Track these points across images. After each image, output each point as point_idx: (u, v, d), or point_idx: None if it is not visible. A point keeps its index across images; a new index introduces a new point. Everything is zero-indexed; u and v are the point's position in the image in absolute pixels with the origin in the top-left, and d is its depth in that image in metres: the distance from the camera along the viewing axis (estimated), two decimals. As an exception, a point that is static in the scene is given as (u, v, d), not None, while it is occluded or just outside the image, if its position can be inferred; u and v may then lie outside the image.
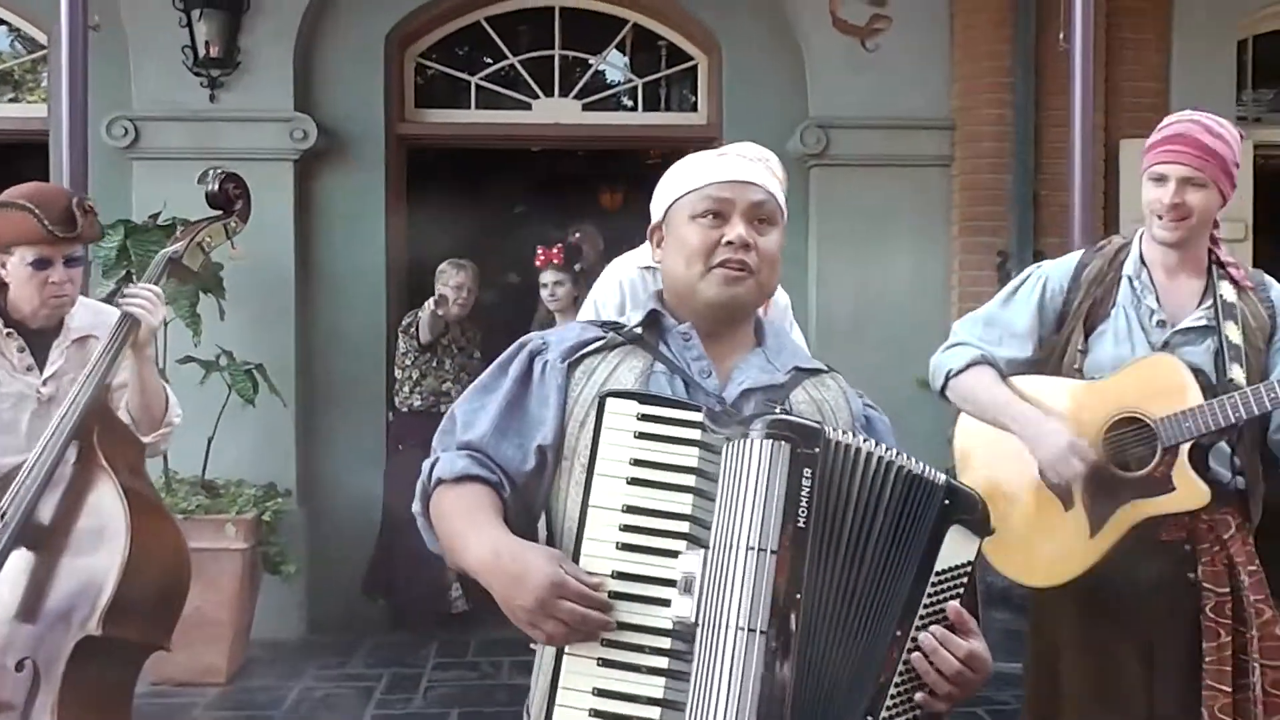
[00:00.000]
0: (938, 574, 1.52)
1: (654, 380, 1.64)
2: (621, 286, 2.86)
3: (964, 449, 2.77)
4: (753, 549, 1.41)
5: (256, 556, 5.14)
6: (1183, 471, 2.41)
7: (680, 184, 1.72)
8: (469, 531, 1.56)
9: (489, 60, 6.38)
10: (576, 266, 5.40)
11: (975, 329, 2.72)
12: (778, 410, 1.57)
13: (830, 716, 1.46)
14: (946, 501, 1.53)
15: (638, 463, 1.48)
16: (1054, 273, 2.67)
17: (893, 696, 1.49)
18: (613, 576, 1.46)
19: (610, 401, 1.51)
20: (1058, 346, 2.63)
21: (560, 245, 5.46)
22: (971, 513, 1.54)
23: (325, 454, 5.74)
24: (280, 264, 5.74)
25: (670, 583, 1.44)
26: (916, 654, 1.49)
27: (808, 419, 1.52)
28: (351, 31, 5.95)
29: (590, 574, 1.44)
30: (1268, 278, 2.62)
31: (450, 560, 1.61)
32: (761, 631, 1.40)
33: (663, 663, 1.43)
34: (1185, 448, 2.40)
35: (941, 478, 1.54)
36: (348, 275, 5.90)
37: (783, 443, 1.44)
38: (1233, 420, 2.36)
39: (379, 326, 5.84)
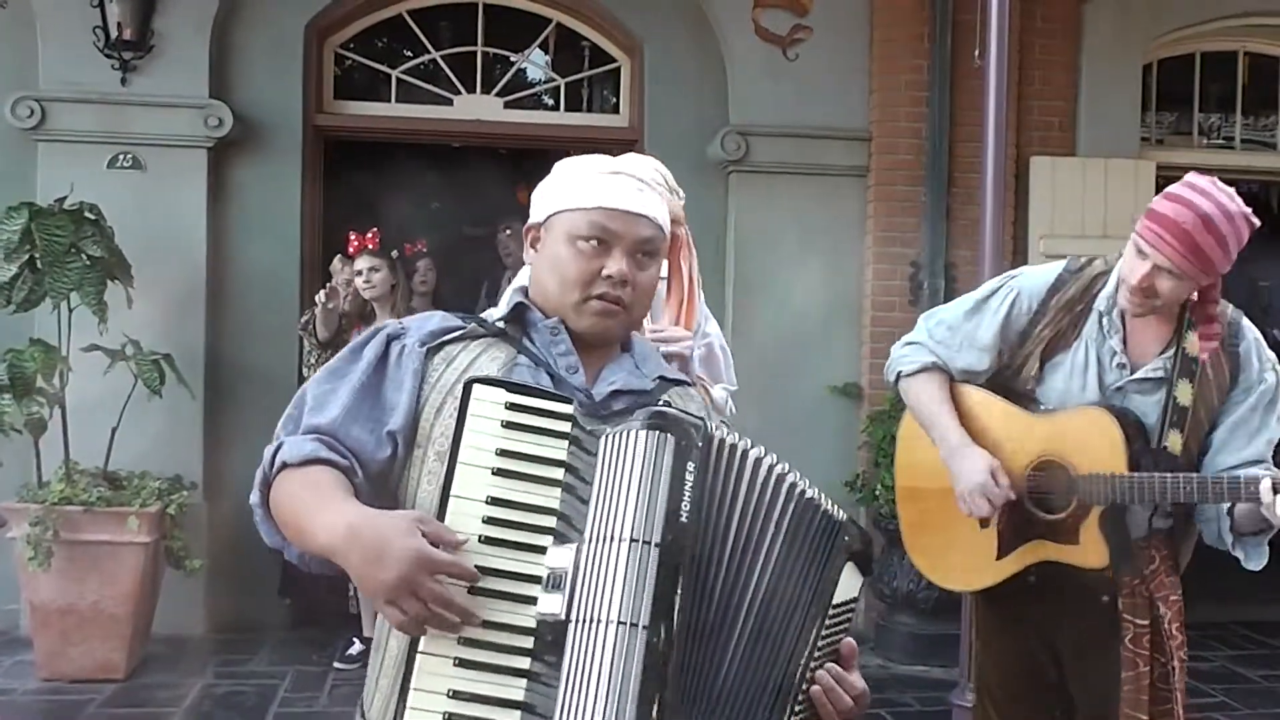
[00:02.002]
0: (834, 607, 1.50)
1: (517, 372, 1.57)
2: None
3: (909, 433, 2.78)
4: (635, 540, 1.34)
5: (159, 550, 5.03)
6: (1090, 530, 2.44)
7: (568, 196, 1.64)
8: (317, 509, 1.44)
9: (410, 54, 6.33)
10: (394, 253, 5.40)
11: (938, 330, 2.67)
12: (659, 403, 1.53)
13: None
14: (846, 538, 1.51)
15: (504, 453, 1.41)
16: (1026, 288, 2.59)
17: None
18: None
19: (477, 388, 1.43)
20: (1015, 363, 2.61)
21: (375, 231, 5.41)
22: (865, 549, 1.54)
23: (233, 448, 5.64)
24: (192, 253, 5.64)
25: (535, 579, 1.37)
26: (815, 689, 1.47)
27: (690, 414, 1.46)
28: (270, 19, 5.86)
29: (453, 533, 1.37)
30: (1245, 324, 2.53)
31: (297, 546, 1.50)
32: (644, 626, 1.32)
33: (524, 663, 1.35)
34: (1095, 511, 2.44)
35: (841, 513, 1.52)
36: (261, 266, 5.81)
37: (667, 434, 1.38)
38: (1146, 500, 2.40)
39: (291, 319, 5.75)
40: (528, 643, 1.36)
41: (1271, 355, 2.51)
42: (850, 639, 1.54)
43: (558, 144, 7.53)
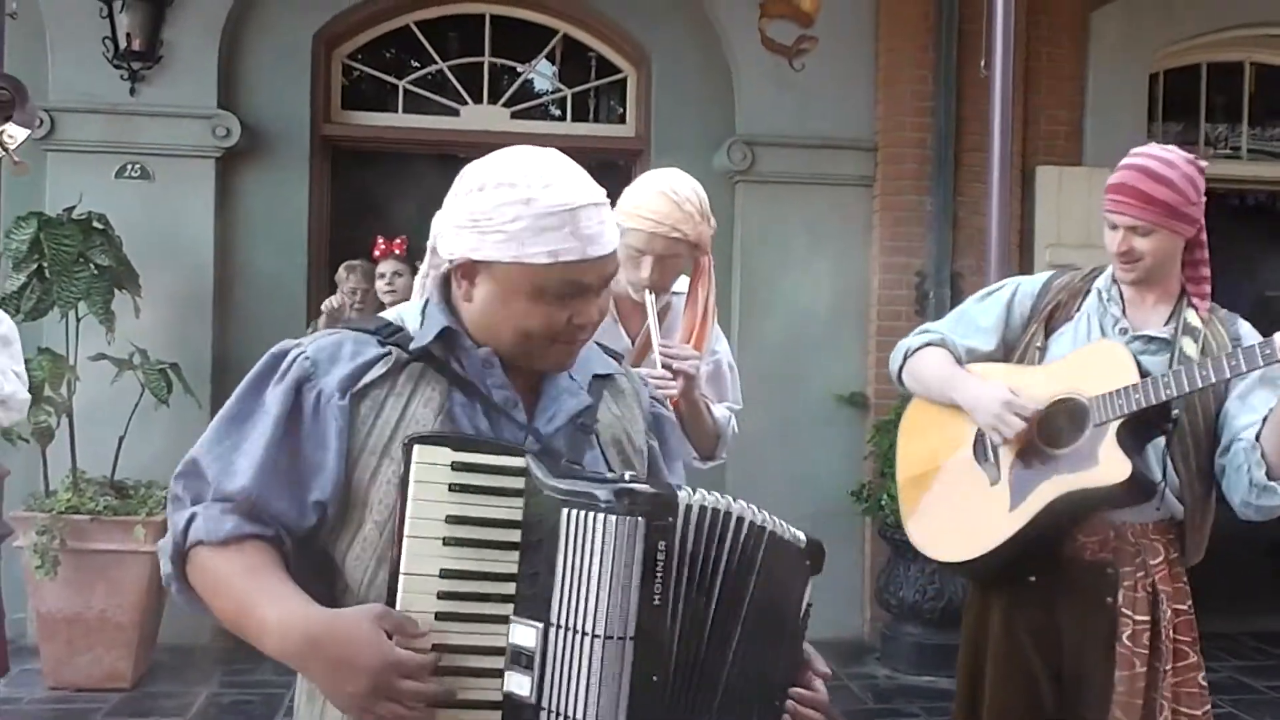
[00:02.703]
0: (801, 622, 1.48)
1: (455, 413, 1.41)
2: None
3: (909, 425, 2.79)
4: (610, 638, 1.25)
5: (165, 559, 5.03)
6: (1108, 447, 2.38)
7: (522, 246, 1.38)
8: (258, 605, 1.33)
9: (417, 64, 6.35)
10: (417, 263, 5.38)
11: (945, 323, 2.74)
12: (625, 476, 1.36)
13: None
14: (808, 562, 1.46)
15: (454, 520, 1.30)
16: (1027, 280, 2.72)
17: None
18: (433, 649, 1.29)
19: (419, 449, 1.31)
20: (1020, 341, 2.63)
21: (402, 238, 5.47)
22: (820, 561, 1.48)
23: (239, 456, 5.63)
24: (199, 262, 5.66)
25: (498, 651, 1.30)
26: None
27: (658, 488, 1.34)
28: (279, 30, 5.88)
29: (414, 622, 1.29)
30: (1240, 320, 2.58)
31: (235, 633, 1.38)
32: None
33: None
34: (1113, 426, 2.38)
35: (801, 537, 1.46)
36: (268, 276, 5.82)
37: (637, 518, 1.26)
38: (1164, 397, 2.32)
39: (298, 329, 5.75)
40: (495, 718, 1.31)
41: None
42: (808, 646, 1.51)
43: (564, 154, 7.57)
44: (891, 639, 5.58)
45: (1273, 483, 2.29)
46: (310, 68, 5.93)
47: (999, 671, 2.55)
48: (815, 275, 5.96)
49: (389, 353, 1.44)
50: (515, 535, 1.32)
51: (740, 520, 1.37)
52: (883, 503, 5.43)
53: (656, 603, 1.28)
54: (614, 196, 1.79)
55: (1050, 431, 2.47)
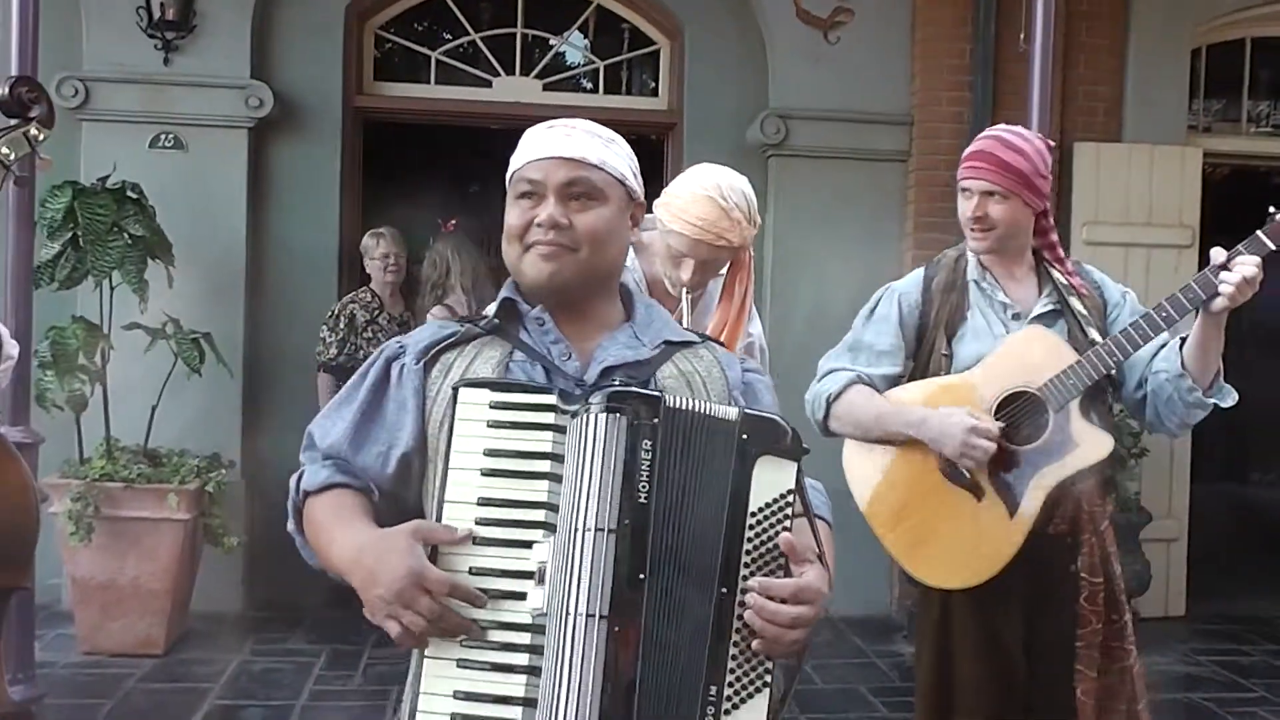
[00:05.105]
0: (756, 514, 1.45)
1: (513, 369, 1.59)
2: None
3: (860, 474, 2.74)
4: (599, 530, 1.37)
5: (198, 528, 5.08)
6: (1079, 426, 2.50)
7: (511, 164, 1.67)
8: (334, 534, 1.54)
9: (449, 36, 6.33)
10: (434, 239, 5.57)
11: (842, 358, 2.79)
12: (616, 382, 1.51)
13: (675, 694, 1.40)
14: (744, 436, 1.45)
15: (491, 453, 1.43)
16: (904, 289, 2.78)
17: (734, 658, 1.43)
18: (470, 573, 1.41)
19: (463, 392, 1.47)
20: (921, 357, 2.73)
21: (455, 219, 5.59)
22: (776, 440, 1.47)
23: (271, 426, 5.67)
24: (232, 232, 5.68)
25: (528, 575, 1.40)
26: (749, 613, 1.43)
27: (645, 389, 1.46)
28: (311, 0, 5.88)
29: (452, 530, 1.42)
30: (1088, 266, 2.78)
31: (326, 569, 1.57)
32: (602, 616, 1.35)
33: (523, 659, 1.38)
34: (1075, 405, 2.49)
35: (733, 412, 1.47)
36: (300, 247, 5.84)
37: (618, 415, 1.39)
38: (1119, 358, 2.48)
39: (330, 300, 5.77)
40: (524, 639, 1.39)
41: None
42: (787, 535, 1.46)
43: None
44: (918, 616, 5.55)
45: (1206, 398, 2.47)
46: (343, 39, 5.92)
47: (969, 646, 2.61)
48: (848, 250, 5.91)
49: (464, 329, 1.65)
50: (545, 465, 1.42)
51: (722, 418, 1.45)
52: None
53: (642, 500, 1.39)
54: (645, 171, 1.77)
55: (1008, 431, 2.55)
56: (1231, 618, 6.09)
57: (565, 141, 1.63)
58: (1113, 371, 2.52)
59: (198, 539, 5.13)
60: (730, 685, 1.43)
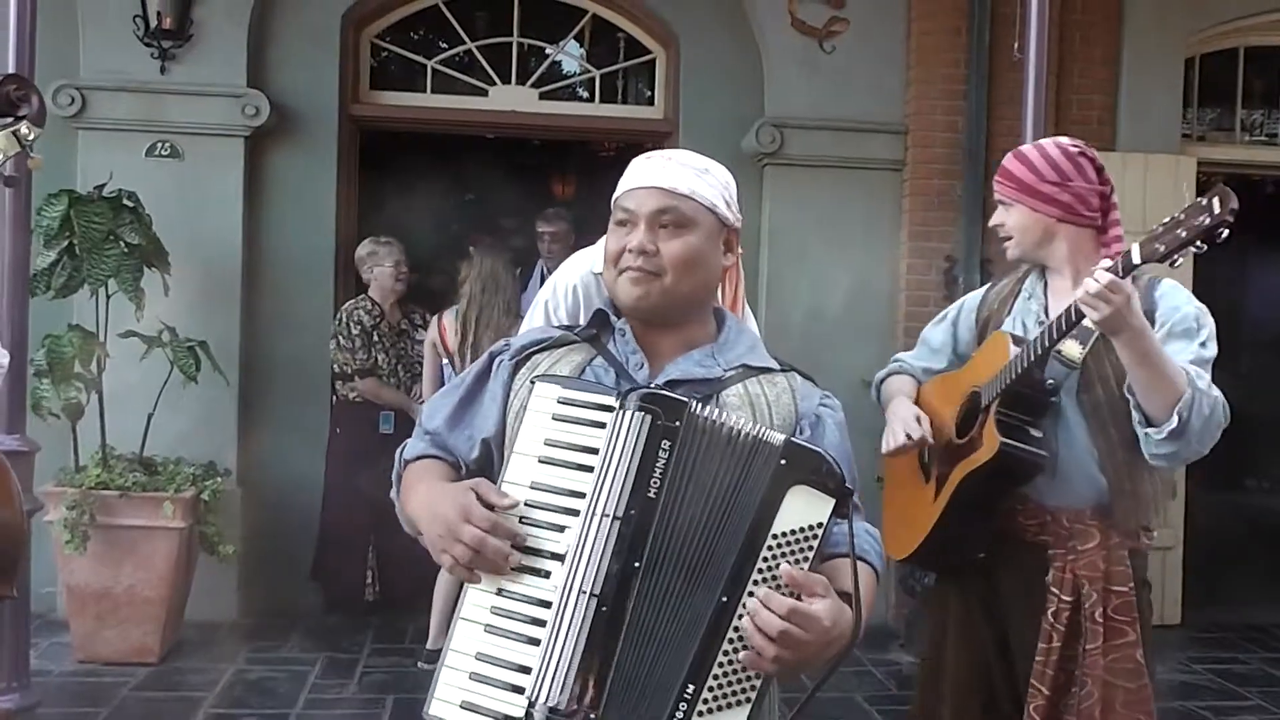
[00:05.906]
0: (778, 536, 1.50)
1: (589, 372, 1.72)
2: (575, 292, 2.75)
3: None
4: (606, 515, 1.49)
5: (193, 536, 5.08)
6: (988, 427, 2.50)
7: (618, 189, 1.79)
8: (416, 489, 1.71)
9: (445, 45, 6.34)
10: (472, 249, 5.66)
11: (911, 351, 2.98)
12: (653, 386, 1.62)
13: (651, 683, 1.48)
14: (783, 461, 1.52)
15: (550, 443, 1.57)
16: (973, 295, 2.91)
17: (721, 665, 1.48)
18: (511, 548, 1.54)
19: (538, 386, 1.62)
20: (969, 356, 2.81)
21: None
22: (815, 473, 1.52)
23: (266, 435, 5.68)
24: (228, 241, 5.68)
25: (558, 556, 1.51)
26: (745, 619, 1.48)
27: (674, 395, 1.54)
28: (307, 9, 5.89)
29: (504, 495, 1.54)
30: (1164, 283, 2.58)
31: (408, 527, 1.71)
32: (594, 595, 1.47)
33: (540, 633, 1.49)
34: (994, 407, 2.49)
35: (779, 438, 1.54)
36: (296, 255, 5.84)
37: (645, 414, 1.50)
38: (1019, 369, 2.42)
39: (325, 308, 5.78)
40: (545, 614, 1.49)
41: (1196, 302, 2.53)
42: (789, 568, 1.49)
43: (592, 136, 7.55)
44: (916, 626, 5.56)
45: (1149, 430, 2.35)
46: (339, 47, 5.94)
47: (956, 641, 2.69)
48: (843, 259, 5.92)
49: (560, 334, 1.81)
50: (594, 460, 1.53)
51: (744, 433, 1.53)
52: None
53: (651, 495, 1.49)
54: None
55: (962, 418, 2.64)
56: (1227, 626, 6.10)
57: (659, 172, 1.74)
58: (1028, 372, 2.43)
59: (193, 547, 5.12)
60: (710, 690, 1.49)
